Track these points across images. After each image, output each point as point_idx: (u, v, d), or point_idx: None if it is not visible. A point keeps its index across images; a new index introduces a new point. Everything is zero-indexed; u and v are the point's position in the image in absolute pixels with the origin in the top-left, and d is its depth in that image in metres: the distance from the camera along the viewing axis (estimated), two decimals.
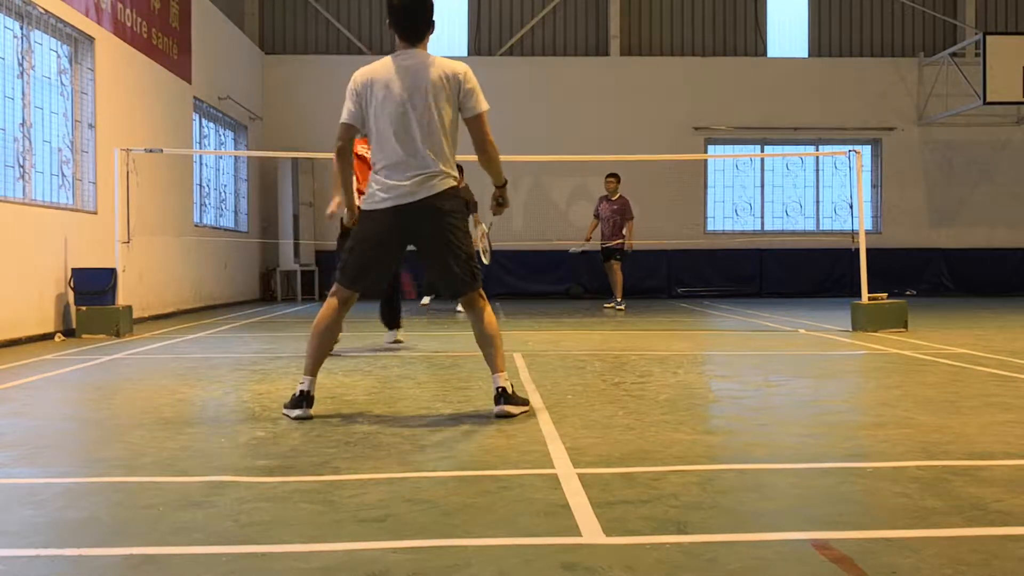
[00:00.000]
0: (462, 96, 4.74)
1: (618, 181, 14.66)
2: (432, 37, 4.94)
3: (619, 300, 14.46)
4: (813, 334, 10.01)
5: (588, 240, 14.84)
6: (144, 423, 4.64)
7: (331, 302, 4.87)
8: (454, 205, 4.77)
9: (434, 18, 4.88)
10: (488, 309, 4.90)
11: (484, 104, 4.79)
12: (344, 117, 4.81)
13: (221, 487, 3.33)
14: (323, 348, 4.87)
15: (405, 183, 4.68)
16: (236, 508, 3.06)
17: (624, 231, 14.46)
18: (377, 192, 4.76)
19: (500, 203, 5.11)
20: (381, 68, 4.79)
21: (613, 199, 14.56)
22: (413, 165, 4.69)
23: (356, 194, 5.39)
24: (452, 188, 4.78)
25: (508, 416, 4.72)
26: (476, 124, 4.78)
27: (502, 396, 4.78)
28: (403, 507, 3.06)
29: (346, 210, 5.20)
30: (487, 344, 4.87)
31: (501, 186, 5.07)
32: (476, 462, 3.80)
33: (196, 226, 14.62)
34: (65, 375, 6.66)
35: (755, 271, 19.35)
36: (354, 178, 5.60)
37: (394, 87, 4.70)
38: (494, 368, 4.84)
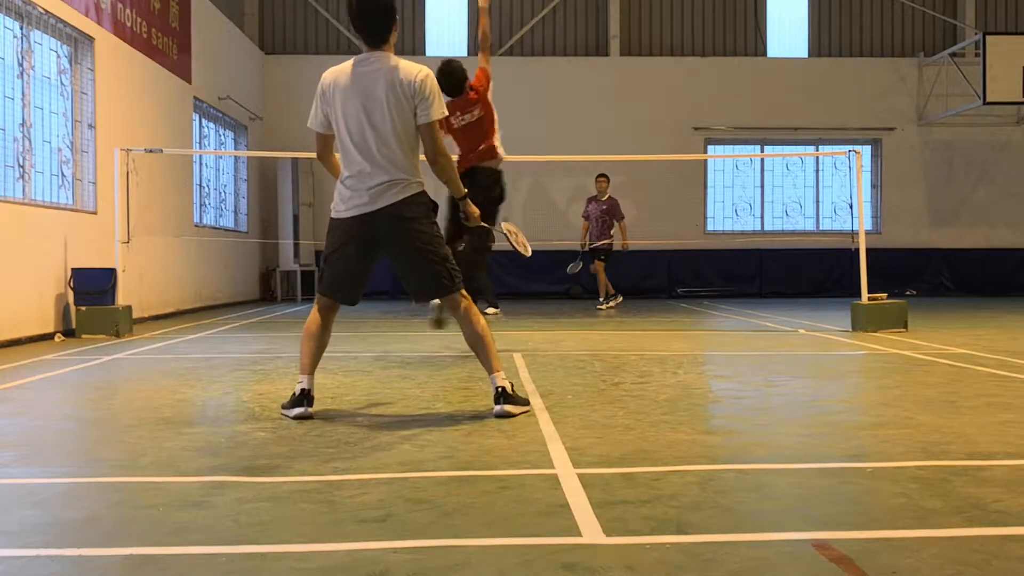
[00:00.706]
0: (417, 102, 4.66)
1: (608, 181, 14.67)
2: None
3: (601, 299, 14.68)
4: (813, 334, 10.01)
5: (583, 246, 14.71)
6: (144, 423, 4.64)
7: (316, 309, 4.90)
8: (417, 211, 4.72)
9: (394, 19, 4.80)
10: (474, 309, 4.87)
11: (437, 112, 4.71)
12: (310, 123, 4.84)
13: (221, 487, 3.33)
14: (319, 347, 4.87)
15: (366, 193, 4.68)
16: (236, 508, 3.06)
17: (613, 232, 14.45)
18: (340, 203, 4.78)
19: (464, 218, 5.12)
20: (342, 74, 4.75)
21: (602, 199, 14.58)
22: (373, 175, 4.66)
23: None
24: (414, 195, 4.73)
25: (508, 416, 4.72)
26: (426, 132, 4.72)
27: (502, 396, 4.77)
28: (403, 507, 3.06)
29: None
30: (478, 344, 4.85)
31: (460, 199, 5.07)
32: (476, 462, 3.80)
33: (196, 226, 14.62)
34: (65, 375, 6.66)
35: (755, 271, 19.34)
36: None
37: (351, 96, 4.68)
38: (490, 369, 4.83)
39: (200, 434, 4.40)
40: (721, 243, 19.19)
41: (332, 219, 4.84)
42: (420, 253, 4.74)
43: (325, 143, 4.90)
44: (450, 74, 7.25)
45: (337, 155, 4.86)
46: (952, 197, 19.73)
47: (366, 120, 4.66)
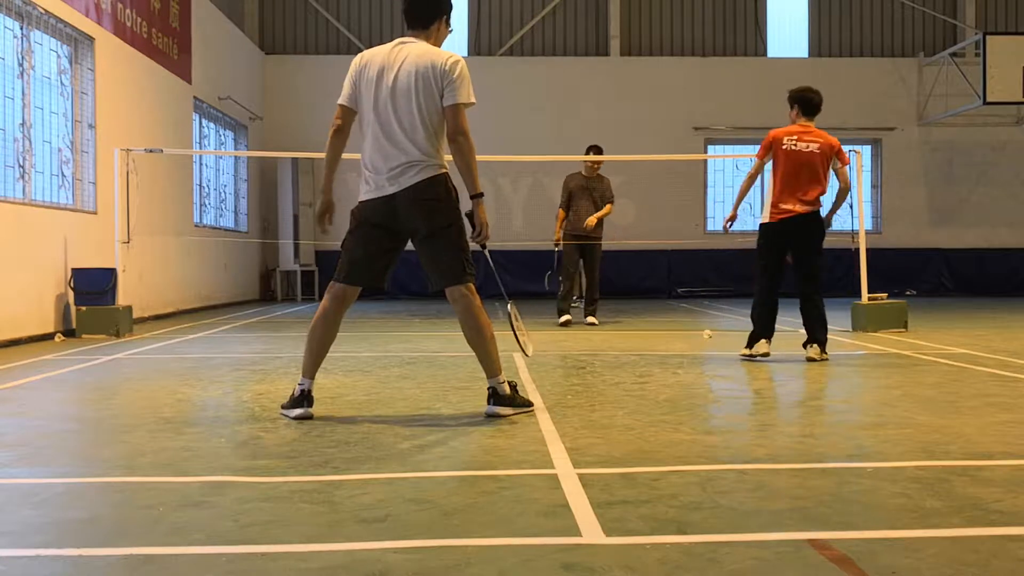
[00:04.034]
0: (444, 85, 4.59)
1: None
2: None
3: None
4: None
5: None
6: (144, 423, 4.64)
7: (327, 299, 4.83)
8: (435, 193, 4.64)
9: (443, 10, 4.78)
10: (479, 306, 4.74)
11: (464, 96, 4.61)
12: (341, 98, 4.77)
13: (221, 487, 3.33)
14: (322, 348, 4.83)
15: (385, 175, 4.64)
16: (236, 508, 3.06)
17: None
18: (362, 184, 4.76)
19: (472, 222, 4.71)
20: (378, 54, 4.75)
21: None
22: (394, 157, 4.62)
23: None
24: (434, 177, 4.65)
25: (498, 417, 4.71)
26: (450, 114, 4.61)
27: (492, 396, 4.76)
28: (403, 507, 3.06)
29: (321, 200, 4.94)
30: (478, 345, 4.76)
31: (474, 197, 4.67)
32: (476, 462, 3.80)
33: (196, 226, 14.62)
34: (65, 375, 6.66)
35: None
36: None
37: (383, 77, 4.66)
38: (489, 372, 4.78)
39: (200, 434, 4.40)
40: (721, 243, 19.17)
41: (359, 201, 4.78)
42: (435, 235, 4.66)
43: (346, 117, 4.76)
44: (816, 94, 7.62)
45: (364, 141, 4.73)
46: (952, 197, 19.73)
47: (392, 102, 4.62)
